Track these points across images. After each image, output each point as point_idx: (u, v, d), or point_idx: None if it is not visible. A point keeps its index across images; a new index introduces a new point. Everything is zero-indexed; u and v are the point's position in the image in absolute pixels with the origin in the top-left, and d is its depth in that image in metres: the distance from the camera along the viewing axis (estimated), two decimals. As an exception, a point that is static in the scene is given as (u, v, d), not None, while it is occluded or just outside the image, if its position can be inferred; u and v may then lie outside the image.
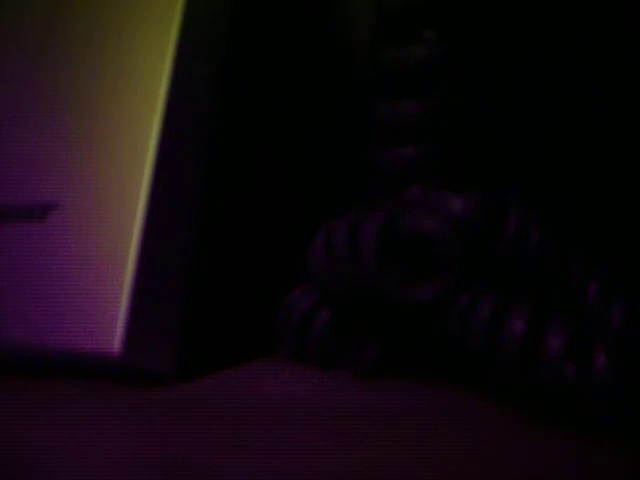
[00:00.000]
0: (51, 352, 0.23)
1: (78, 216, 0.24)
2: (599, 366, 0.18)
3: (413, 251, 0.21)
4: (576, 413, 0.18)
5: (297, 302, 0.25)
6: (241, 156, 0.26)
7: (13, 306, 0.24)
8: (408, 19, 0.23)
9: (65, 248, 0.24)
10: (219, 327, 0.26)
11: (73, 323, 0.23)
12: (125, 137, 0.24)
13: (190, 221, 0.24)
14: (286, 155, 0.28)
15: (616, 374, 0.17)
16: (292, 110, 0.28)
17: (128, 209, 0.23)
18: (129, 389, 0.23)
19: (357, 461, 0.17)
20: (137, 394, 0.22)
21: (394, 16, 0.23)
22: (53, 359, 0.23)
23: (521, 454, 0.17)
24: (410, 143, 0.23)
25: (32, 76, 0.26)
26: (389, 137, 0.23)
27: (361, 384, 0.23)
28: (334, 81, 0.30)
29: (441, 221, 0.21)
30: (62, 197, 0.24)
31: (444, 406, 0.20)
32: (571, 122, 0.23)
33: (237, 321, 0.27)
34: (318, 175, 0.29)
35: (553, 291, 0.21)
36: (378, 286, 0.21)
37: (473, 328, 0.20)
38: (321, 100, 0.30)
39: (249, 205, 0.27)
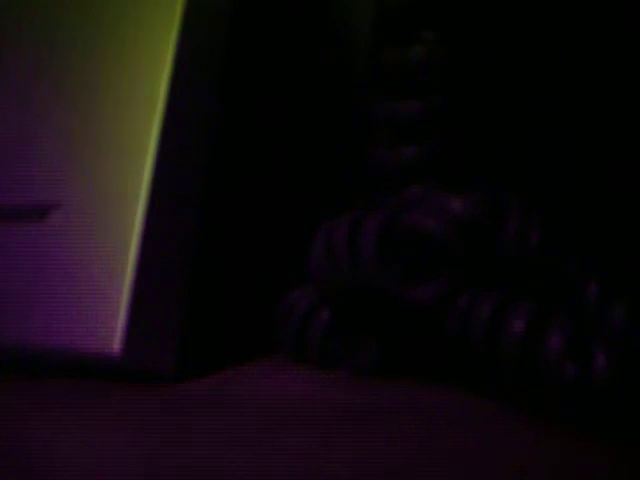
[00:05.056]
0: (51, 352, 0.23)
1: (79, 216, 0.24)
2: (599, 366, 0.18)
3: (413, 251, 0.21)
4: (576, 413, 0.18)
5: (297, 302, 0.25)
6: (241, 156, 0.26)
7: (13, 306, 0.24)
8: (408, 19, 0.23)
9: (66, 248, 0.24)
10: (219, 327, 0.26)
11: (73, 323, 0.23)
12: (125, 137, 0.24)
13: (190, 221, 0.24)
14: (286, 155, 0.28)
15: (616, 374, 0.17)
16: (292, 110, 0.28)
17: (128, 209, 0.23)
18: (129, 389, 0.23)
19: (357, 461, 0.17)
20: (137, 394, 0.22)
21: (394, 16, 0.23)
22: (53, 359, 0.23)
23: (521, 454, 0.17)
24: (410, 143, 0.23)
25: (32, 76, 0.26)
26: (389, 137, 0.23)
27: (361, 384, 0.23)
28: (334, 81, 0.30)
29: (442, 221, 0.21)
30: (63, 197, 0.24)
31: (444, 406, 0.20)
32: (571, 122, 0.23)
33: (237, 321, 0.27)
34: (318, 175, 0.29)
35: (553, 291, 0.21)
36: (378, 286, 0.21)
37: (473, 328, 0.20)
38: (321, 100, 0.30)
39: (249, 205, 0.27)
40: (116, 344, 0.22)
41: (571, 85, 0.23)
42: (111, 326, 0.22)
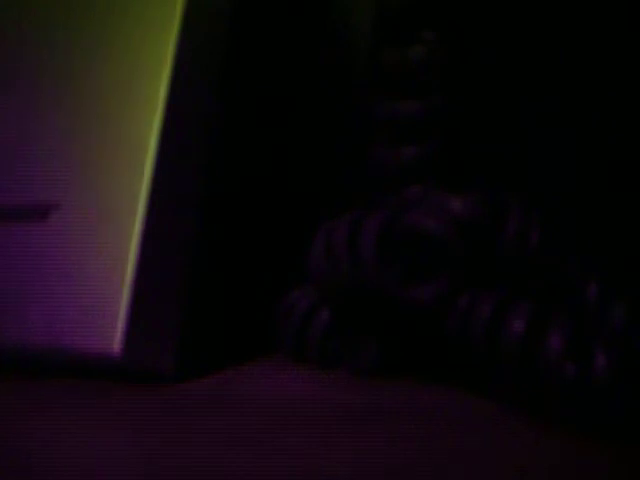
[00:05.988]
0: (51, 352, 0.23)
1: (79, 217, 0.24)
2: (599, 366, 0.18)
3: (413, 251, 0.21)
4: (576, 413, 0.18)
5: (297, 302, 0.25)
6: (241, 156, 0.26)
7: (13, 306, 0.24)
8: (408, 19, 0.23)
9: (66, 248, 0.24)
10: (219, 327, 0.26)
11: (73, 323, 0.23)
12: (125, 137, 0.24)
13: (190, 221, 0.24)
14: (286, 155, 0.28)
15: (616, 374, 0.17)
16: (292, 110, 0.28)
17: (128, 209, 0.23)
18: (129, 389, 0.23)
19: (357, 461, 0.17)
20: (137, 394, 0.22)
21: (394, 16, 0.23)
22: (53, 359, 0.23)
23: (521, 454, 0.17)
24: (410, 143, 0.23)
25: (33, 76, 0.26)
26: (389, 137, 0.23)
27: (361, 384, 0.23)
28: (334, 81, 0.30)
29: (442, 221, 0.21)
30: (63, 197, 0.24)
31: (444, 406, 0.20)
32: (571, 122, 0.23)
33: (237, 321, 0.27)
34: (318, 175, 0.29)
35: (553, 291, 0.21)
36: (378, 286, 0.21)
37: (473, 328, 0.20)
38: (321, 100, 0.30)
39: (249, 205, 0.27)
40: (116, 344, 0.22)
41: (571, 85, 0.23)
42: (111, 326, 0.22)
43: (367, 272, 0.21)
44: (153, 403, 0.21)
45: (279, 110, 0.28)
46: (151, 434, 0.19)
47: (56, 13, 0.26)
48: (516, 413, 0.20)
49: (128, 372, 0.23)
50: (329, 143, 0.30)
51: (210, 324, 0.25)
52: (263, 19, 0.27)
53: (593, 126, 0.23)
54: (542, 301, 0.19)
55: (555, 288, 0.21)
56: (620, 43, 0.23)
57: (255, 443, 0.18)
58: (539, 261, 0.21)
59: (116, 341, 0.22)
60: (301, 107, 0.29)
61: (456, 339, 0.20)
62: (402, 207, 0.22)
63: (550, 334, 0.18)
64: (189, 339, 0.24)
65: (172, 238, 0.24)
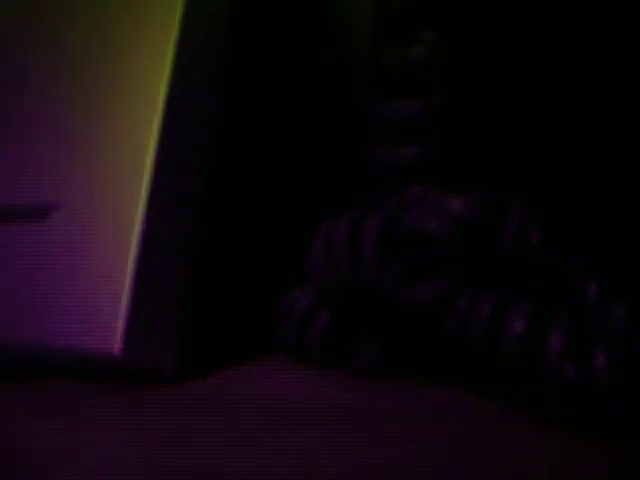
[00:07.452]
0: (51, 352, 0.23)
1: (78, 217, 0.24)
2: (599, 366, 0.18)
3: (413, 251, 0.21)
4: (576, 413, 0.18)
5: (297, 302, 0.25)
6: (241, 157, 0.26)
7: (13, 306, 0.24)
8: (408, 19, 0.23)
9: (65, 248, 0.24)
10: (219, 327, 0.26)
11: (73, 323, 0.23)
12: (125, 137, 0.24)
13: (190, 221, 0.24)
14: (286, 155, 0.28)
15: (616, 374, 0.17)
16: (292, 110, 0.28)
17: (128, 210, 0.23)
18: (129, 389, 0.23)
19: (357, 461, 0.17)
20: (137, 394, 0.22)
21: (394, 16, 0.23)
22: (53, 359, 0.23)
23: (521, 454, 0.17)
24: (410, 143, 0.23)
25: (32, 77, 0.26)
26: (389, 137, 0.23)
27: (361, 384, 0.23)
28: (334, 81, 0.30)
29: (442, 221, 0.21)
30: (63, 198, 0.24)
31: (444, 406, 0.20)
32: (571, 122, 0.23)
33: (237, 321, 0.27)
34: (318, 175, 0.29)
35: (553, 291, 0.21)
36: (378, 286, 0.21)
37: (473, 328, 0.20)
38: (321, 100, 0.30)
39: (249, 205, 0.27)
40: (116, 344, 0.22)
41: (571, 85, 0.23)
42: (111, 326, 0.22)
43: (367, 272, 0.21)
44: (153, 403, 0.21)
45: (279, 110, 0.28)
46: (151, 434, 0.19)
47: (56, 14, 0.26)
48: (516, 413, 0.20)
49: (128, 372, 0.23)
50: (329, 143, 0.30)
51: (210, 324, 0.25)
52: (263, 19, 0.27)
53: (593, 126, 0.23)
54: (542, 301, 0.19)
55: (555, 288, 0.21)
56: (620, 43, 0.23)
57: (255, 443, 0.18)
58: (539, 261, 0.21)
59: (116, 341, 0.22)
60: (301, 107, 0.29)
61: (456, 339, 0.20)
62: (402, 207, 0.22)
63: (550, 334, 0.18)
64: (189, 339, 0.24)
65: (172, 238, 0.24)
